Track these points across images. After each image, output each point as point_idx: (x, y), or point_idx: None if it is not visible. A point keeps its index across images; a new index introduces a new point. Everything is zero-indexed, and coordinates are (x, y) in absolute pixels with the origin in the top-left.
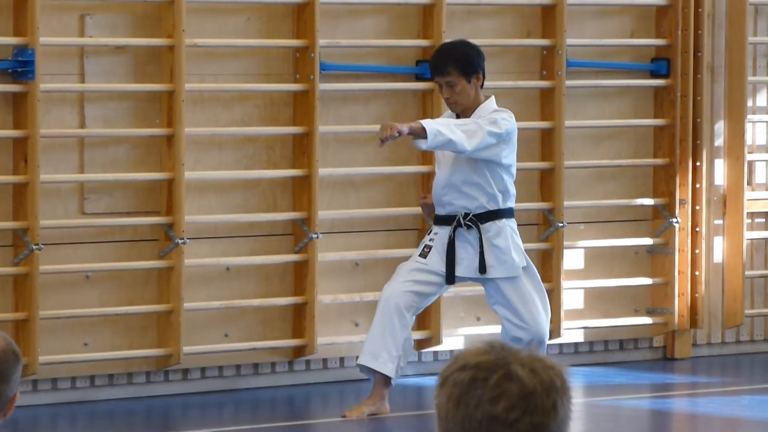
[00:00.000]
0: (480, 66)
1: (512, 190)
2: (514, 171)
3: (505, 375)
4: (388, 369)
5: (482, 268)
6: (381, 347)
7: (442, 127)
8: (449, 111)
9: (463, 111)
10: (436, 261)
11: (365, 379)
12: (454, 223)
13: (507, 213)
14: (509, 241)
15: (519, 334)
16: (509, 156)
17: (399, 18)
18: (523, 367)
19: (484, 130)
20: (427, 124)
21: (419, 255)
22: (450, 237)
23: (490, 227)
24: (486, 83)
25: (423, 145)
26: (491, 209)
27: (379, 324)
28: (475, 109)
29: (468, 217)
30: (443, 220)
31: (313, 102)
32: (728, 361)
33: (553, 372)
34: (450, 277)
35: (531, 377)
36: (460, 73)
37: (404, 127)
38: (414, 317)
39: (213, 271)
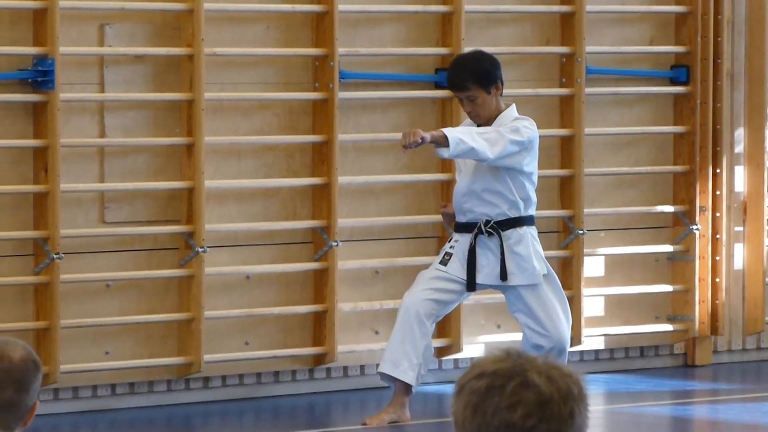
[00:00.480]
0: (497, 76)
1: (533, 197)
2: (535, 179)
3: (521, 383)
4: (408, 377)
5: (503, 275)
6: (401, 355)
7: (464, 135)
8: (469, 119)
9: (485, 121)
10: (457, 268)
11: (386, 387)
12: (475, 230)
13: (528, 220)
14: (530, 248)
15: (540, 342)
16: (531, 164)
17: (418, 26)
18: (539, 374)
19: (506, 139)
20: (449, 132)
21: (440, 263)
22: (471, 244)
23: (511, 234)
24: (505, 91)
25: (445, 153)
26: (512, 216)
27: (400, 332)
28: (496, 117)
29: (489, 225)
30: (464, 228)
31: (332, 110)
32: (749, 368)
33: (570, 380)
34: (471, 285)
35: (548, 385)
36: (479, 87)
37: (427, 135)
38: (434, 325)
39: (233, 279)
